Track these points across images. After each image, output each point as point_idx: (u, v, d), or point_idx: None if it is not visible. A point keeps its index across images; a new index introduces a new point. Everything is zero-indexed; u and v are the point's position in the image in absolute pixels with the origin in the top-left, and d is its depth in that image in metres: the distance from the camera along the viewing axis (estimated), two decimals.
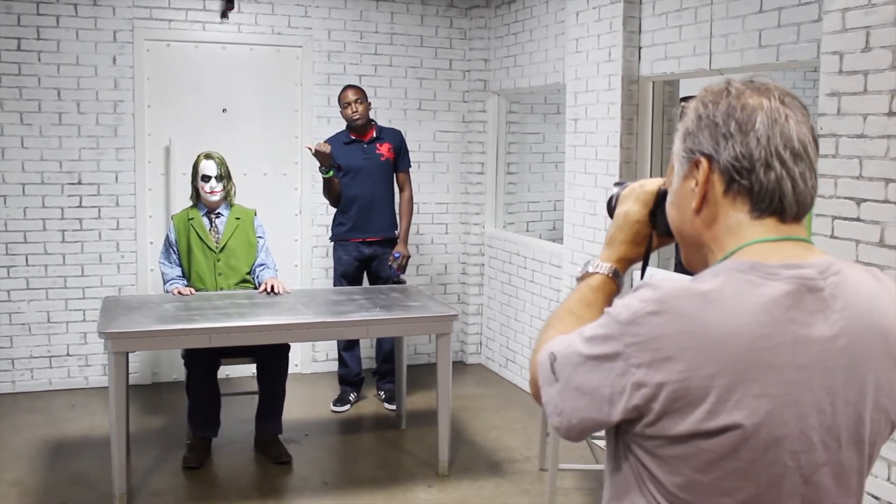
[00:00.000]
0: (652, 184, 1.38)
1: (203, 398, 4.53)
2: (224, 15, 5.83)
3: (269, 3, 5.95)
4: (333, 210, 5.50)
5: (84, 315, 5.72)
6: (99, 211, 5.72)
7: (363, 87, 5.58)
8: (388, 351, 5.49)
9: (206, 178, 4.71)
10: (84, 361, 5.77)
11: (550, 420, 1.23)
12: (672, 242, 1.38)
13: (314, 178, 5.81)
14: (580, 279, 1.39)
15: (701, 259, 1.24)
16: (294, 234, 6.14)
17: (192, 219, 4.76)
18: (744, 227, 1.18)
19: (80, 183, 5.66)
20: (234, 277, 4.79)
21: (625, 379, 1.12)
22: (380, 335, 5.22)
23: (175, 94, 5.83)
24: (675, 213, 1.27)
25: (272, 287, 4.66)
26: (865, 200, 3.07)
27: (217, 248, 4.75)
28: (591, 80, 4.89)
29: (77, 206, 5.67)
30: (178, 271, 4.76)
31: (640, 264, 1.42)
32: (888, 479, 3.07)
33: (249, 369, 5.42)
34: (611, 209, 1.44)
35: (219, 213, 4.80)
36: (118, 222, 5.76)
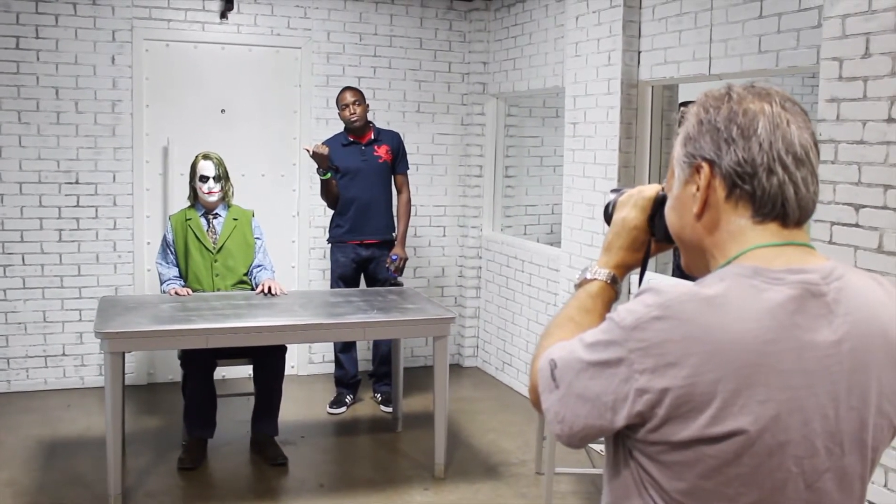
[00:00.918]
0: (650, 190, 1.38)
1: (199, 399, 4.52)
2: (223, 15, 5.83)
3: (269, 4, 5.95)
4: (331, 212, 5.49)
5: (80, 315, 5.71)
6: (96, 210, 5.71)
7: (362, 89, 5.58)
8: (384, 353, 5.49)
9: (204, 179, 4.71)
10: (80, 361, 5.76)
11: (551, 428, 1.22)
12: (670, 248, 1.37)
13: (312, 180, 5.80)
14: (578, 286, 1.39)
15: (702, 264, 1.24)
16: (291, 236, 6.14)
17: (189, 219, 4.75)
18: (746, 231, 1.17)
19: (77, 182, 5.65)
20: (231, 278, 4.78)
21: (628, 385, 1.11)
22: (377, 337, 5.21)
23: (174, 95, 5.82)
24: (676, 219, 1.26)
25: (269, 288, 4.65)
26: (864, 206, 3.07)
27: (214, 248, 4.75)
28: (590, 84, 4.89)
29: (74, 206, 5.66)
30: (175, 272, 4.75)
31: (637, 270, 1.42)
32: (885, 486, 3.07)
33: (246, 370, 5.41)
34: (608, 216, 1.44)
35: (216, 213, 4.79)
36: (115, 222, 5.75)
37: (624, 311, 1.14)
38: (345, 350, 5.52)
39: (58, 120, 5.59)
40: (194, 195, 4.79)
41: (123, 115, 5.71)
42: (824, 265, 1.16)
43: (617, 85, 4.65)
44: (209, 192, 4.71)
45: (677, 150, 1.24)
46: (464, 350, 6.60)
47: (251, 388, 4.83)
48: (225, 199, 4.80)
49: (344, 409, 5.46)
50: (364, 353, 5.95)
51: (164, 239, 4.81)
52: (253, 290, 4.77)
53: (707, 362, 1.07)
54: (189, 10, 5.79)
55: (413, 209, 5.88)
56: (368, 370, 5.77)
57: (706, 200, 1.19)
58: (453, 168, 6.49)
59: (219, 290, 4.73)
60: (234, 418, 5.04)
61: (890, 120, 2.97)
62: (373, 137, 5.41)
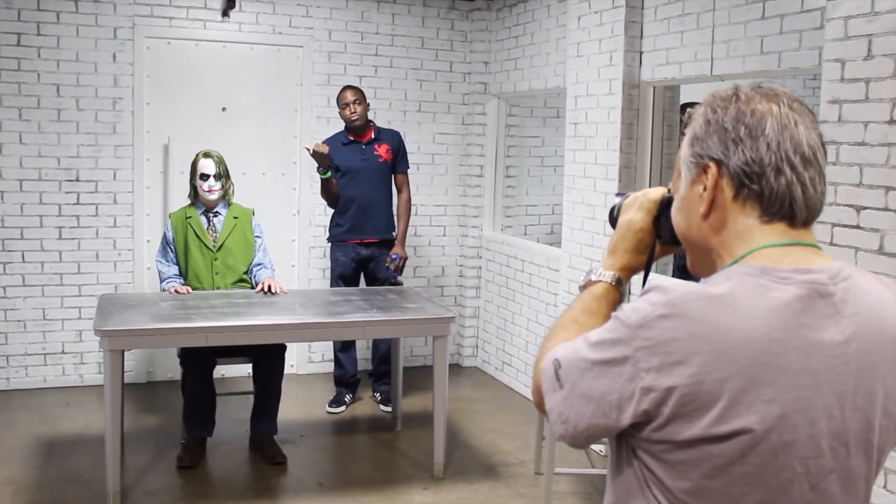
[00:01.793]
0: (655, 192, 1.38)
1: (198, 397, 4.51)
2: (225, 13, 5.82)
3: (271, 3, 5.94)
4: (331, 211, 5.49)
5: (80, 312, 5.70)
6: (96, 208, 5.71)
7: (363, 88, 5.57)
8: (384, 352, 5.48)
9: (205, 177, 4.70)
10: (79, 359, 5.75)
11: (555, 428, 1.21)
12: (675, 251, 1.37)
13: (312, 179, 5.80)
14: (582, 287, 1.38)
15: (708, 264, 1.23)
16: (292, 235, 6.13)
17: (189, 217, 4.75)
18: (753, 231, 1.17)
19: (77, 180, 5.65)
20: (231, 277, 4.78)
21: (634, 384, 1.11)
22: (376, 336, 5.21)
23: (175, 93, 5.82)
24: (682, 219, 1.26)
25: (269, 287, 4.65)
26: (865, 208, 3.07)
27: (214, 247, 4.74)
28: (591, 85, 4.89)
29: (74, 203, 5.66)
30: (175, 270, 4.74)
31: (642, 273, 1.41)
32: (884, 487, 3.07)
33: (245, 369, 5.40)
34: (613, 219, 1.44)
35: (217, 211, 4.79)
36: (115, 220, 5.75)
37: (630, 309, 1.13)
38: (344, 349, 5.51)
39: (58, 117, 5.58)
40: (195, 193, 4.78)
41: (124, 113, 5.70)
42: (832, 265, 1.16)
43: (618, 85, 4.65)
44: (209, 191, 4.70)
45: (684, 151, 1.24)
46: (463, 350, 6.59)
47: (250, 386, 4.82)
48: (225, 197, 4.80)
49: (343, 408, 5.45)
50: (363, 353, 5.95)
51: (164, 237, 4.80)
52: (253, 288, 4.77)
53: (713, 361, 1.07)
54: (191, 7, 5.78)
55: (413, 208, 5.88)
56: (368, 369, 5.77)
57: (713, 200, 1.19)
58: (454, 168, 6.49)
59: (219, 288, 4.73)
60: (233, 417, 5.03)
61: (892, 122, 2.96)
62: (373, 136, 5.40)
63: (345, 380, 5.52)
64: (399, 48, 6.26)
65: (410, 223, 5.70)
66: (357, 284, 5.45)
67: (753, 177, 1.16)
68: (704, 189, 1.20)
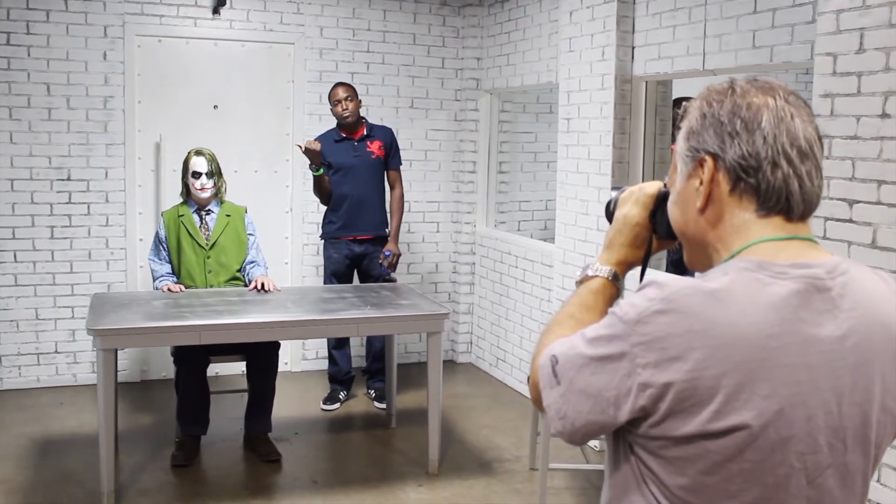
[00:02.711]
0: (651, 186, 1.37)
1: (192, 396, 4.50)
2: (216, 11, 5.80)
3: (262, 0, 5.92)
4: (324, 208, 5.48)
5: (73, 312, 5.68)
6: (88, 207, 5.69)
7: (354, 85, 5.56)
8: (378, 349, 5.48)
9: (197, 175, 4.69)
10: (72, 359, 5.74)
11: (553, 425, 1.21)
12: (672, 245, 1.37)
13: (305, 176, 5.79)
14: (579, 282, 1.37)
15: (705, 259, 1.23)
16: (285, 232, 6.12)
17: (182, 215, 4.73)
18: (750, 225, 1.17)
19: (69, 179, 5.63)
20: (224, 275, 4.77)
21: (631, 380, 1.10)
22: (370, 333, 5.21)
23: (166, 91, 5.80)
24: (679, 213, 1.25)
25: (262, 284, 4.64)
26: (858, 202, 3.07)
27: (207, 245, 4.73)
28: (584, 80, 4.88)
29: (66, 203, 5.64)
30: (167, 268, 4.73)
31: (639, 268, 1.41)
32: (877, 481, 3.08)
33: (239, 367, 5.39)
34: (609, 213, 1.43)
35: (209, 209, 4.77)
36: (108, 219, 5.73)
37: (626, 304, 1.13)
38: (338, 346, 5.51)
39: (49, 116, 5.56)
40: (187, 191, 4.77)
41: (115, 112, 5.68)
42: (829, 260, 1.16)
43: (611, 80, 4.65)
44: (202, 189, 4.69)
45: (680, 145, 1.23)
46: (457, 346, 6.59)
47: (244, 384, 4.81)
48: (217, 195, 4.78)
49: (337, 405, 5.45)
50: (357, 350, 5.94)
51: (157, 235, 4.79)
52: (246, 286, 4.76)
53: (710, 356, 1.07)
54: (181, 5, 5.76)
55: (406, 205, 5.87)
56: (362, 366, 5.76)
57: (710, 194, 1.19)
58: (447, 164, 6.48)
59: (212, 286, 4.72)
60: (227, 415, 5.02)
61: (884, 115, 2.97)
62: (365, 133, 5.39)
63: (339, 377, 5.51)
64: (391, 44, 6.25)
65: (404, 220, 5.69)
66: (350, 281, 5.45)
67: (750, 171, 1.15)
68: (701, 183, 1.19)
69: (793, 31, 3.60)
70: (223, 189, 4.81)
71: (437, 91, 6.40)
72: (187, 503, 4.05)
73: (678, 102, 4.83)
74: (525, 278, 5.81)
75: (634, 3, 4.60)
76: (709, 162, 1.18)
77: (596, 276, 1.35)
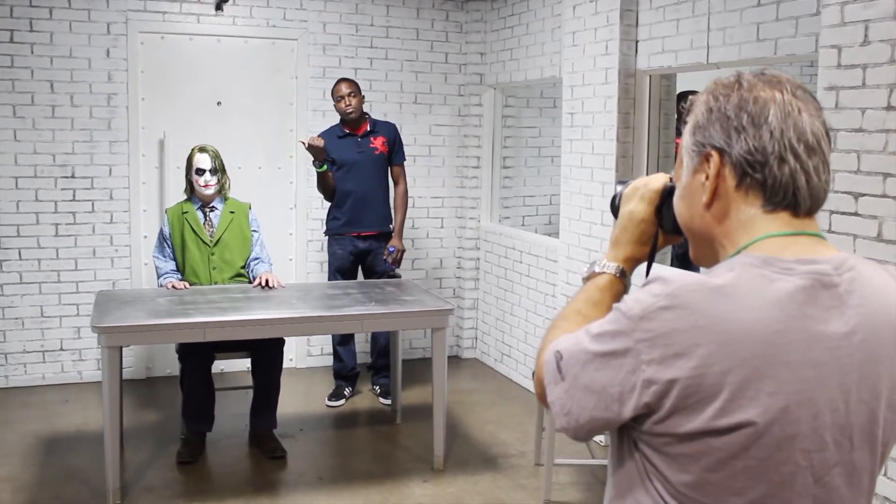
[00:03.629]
0: (657, 181, 1.36)
1: (197, 393, 4.51)
2: (219, 7, 5.80)
3: None
4: (328, 204, 5.47)
5: (77, 309, 5.69)
6: (92, 205, 5.69)
7: (358, 81, 5.55)
8: (383, 345, 5.48)
9: (201, 172, 4.69)
10: (77, 356, 5.75)
11: (557, 420, 1.20)
12: (678, 240, 1.35)
13: (309, 172, 5.78)
14: (586, 279, 1.37)
15: (711, 254, 1.22)
16: (289, 228, 6.12)
17: (186, 212, 4.73)
18: (756, 221, 1.15)
19: (73, 176, 5.63)
20: (228, 271, 4.77)
21: (635, 376, 1.09)
22: (375, 329, 5.20)
23: (169, 87, 5.80)
24: (685, 208, 1.24)
25: (267, 281, 4.64)
26: (863, 195, 3.06)
27: (211, 241, 4.73)
28: (587, 74, 4.87)
29: (70, 200, 5.64)
30: (172, 265, 4.73)
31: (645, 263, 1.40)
32: (885, 475, 3.06)
33: (244, 364, 5.39)
34: (615, 208, 1.41)
35: (213, 206, 4.77)
36: (112, 216, 5.73)
37: (631, 300, 1.12)
38: (343, 342, 5.51)
39: (53, 114, 5.56)
40: (191, 188, 4.77)
41: (119, 109, 5.68)
42: (836, 256, 1.14)
43: (614, 74, 4.63)
44: (205, 185, 4.69)
45: (686, 139, 1.22)
46: (462, 342, 6.59)
47: (249, 381, 4.81)
48: (221, 191, 4.78)
49: (342, 401, 5.45)
50: (362, 346, 5.94)
51: (161, 232, 4.79)
52: (250, 283, 4.75)
53: (715, 353, 1.06)
54: (184, 2, 5.75)
55: (410, 201, 5.86)
56: (367, 362, 5.77)
57: (716, 189, 1.17)
58: (451, 159, 6.47)
59: (216, 283, 4.72)
60: (232, 412, 5.03)
61: (889, 108, 2.95)
62: (369, 129, 5.38)
63: (344, 373, 5.51)
64: (394, 40, 6.24)
65: (408, 215, 5.68)
66: (355, 278, 5.44)
67: (756, 166, 1.14)
68: (707, 178, 1.18)
69: (797, 23, 3.58)
70: (227, 186, 4.81)
71: (441, 86, 6.39)
72: (192, 500, 4.05)
73: (683, 96, 4.82)
74: (529, 273, 5.80)
75: None
76: (715, 157, 1.17)
77: (603, 272, 1.34)
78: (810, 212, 1.17)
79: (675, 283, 1.09)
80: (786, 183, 1.14)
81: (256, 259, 4.82)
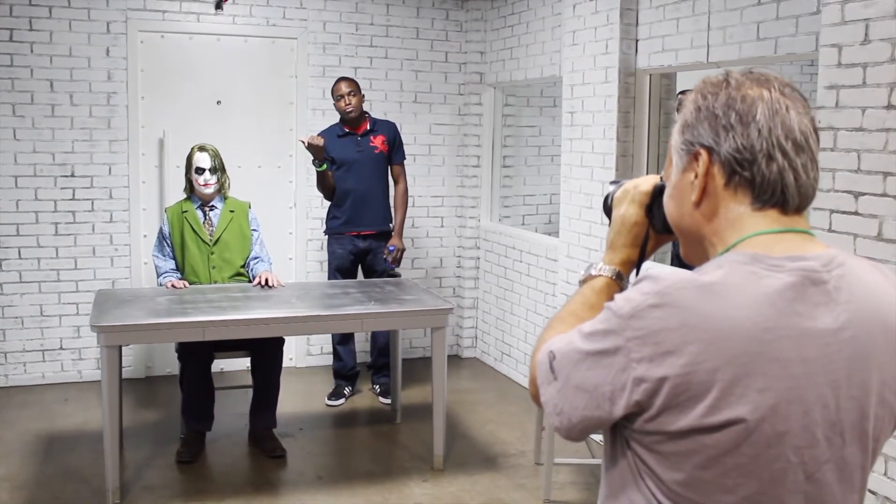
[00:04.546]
0: (646, 183, 1.37)
1: (197, 392, 4.50)
2: (218, 6, 5.79)
3: None
4: (328, 203, 5.47)
5: (77, 308, 5.69)
6: (92, 203, 5.69)
7: (358, 80, 5.55)
8: (382, 345, 5.47)
9: (200, 171, 4.68)
10: (77, 355, 5.74)
11: (550, 420, 1.20)
12: (670, 240, 1.36)
13: (309, 171, 5.78)
14: (583, 282, 1.38)
15: (701, 252, 1.22)
16: (289, 228, 6.11)
17: (185, 211, 4.73)
18: (745, 219, 1.16)
19: (73, 175, 5.63)
20: (228, 270, 4.77)
21: (626, 374, 1.10)
22: (375, 329, 5.20)
23: (169, 86, 5.79)
24: (674, 207, 1.25)
25: (266, 280, 4.63)
26: (864, 194, 3.05)
27: (211, 241, 4.73)
28: (587, 73, 4.87)
29: (70, 199, 5.64)
30: (171, 264, 4.73)
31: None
32: (885, 474, 3.06)
33: (243, 363, 5.39)
34: (607, 208, 1.43)
35: (213, 205, 4.77)
36: (111, 215, 5.73)
37: (621, 299, 1.12)
38: (343, 342, 5.50)
39: (52, 113, 5.56)
40: (190, 187, 4.76)
41: (119, 108, 5.68)
42: (825, 252, 1.15)
43: (614, 73, 4.63)
44: (205, 185, 4.68)
45: (675, 138, 1.23)
46: (462, 341, 6.59)
47: (249, 380, 4.81)
48: (221, 190, 4.78)
49: (342, 400, 5.45)
50: (362, 345, 5.94)
51: (161, 231, 4.78)
52: (250, 282, 4.75)
53: (705, 351, 1.06)
54: (184, 0, 5.75)
55: (410, 200, 5.86)
56: (367, 362, 5.76)
57: (705, 188, 1.18)
58: (451, 158, 6.47)
59: (215, 282, 4.72)
60: (232, 411, 5.02)
61: (889, 107, 2.95)
62: (368, 128, 5.38)
63: (344, 372, 5.51)
64: (394, 39, 6.24)
65: (408, 214, 5.68)
66: (355, 277, 5.44)
67: (745, 164, 1.14)
68: (696, 177, 1.18)
69: (797, 22, 3.58)
70: (227, 185, 4.81)
71: (441, 85, 6.39)
72: (192, 499, 4.05)
73: (682, 94, 4.81)
74: (529, 272, 5.80)
75: None
76: (703, 155, 1.17)
77: (600, 275, 1.36)
78: (799, 209, 1.17)
79: (665, 282, 1.09)
80: (774, 181, 1.14)
81: (256, 258, 4.82)
